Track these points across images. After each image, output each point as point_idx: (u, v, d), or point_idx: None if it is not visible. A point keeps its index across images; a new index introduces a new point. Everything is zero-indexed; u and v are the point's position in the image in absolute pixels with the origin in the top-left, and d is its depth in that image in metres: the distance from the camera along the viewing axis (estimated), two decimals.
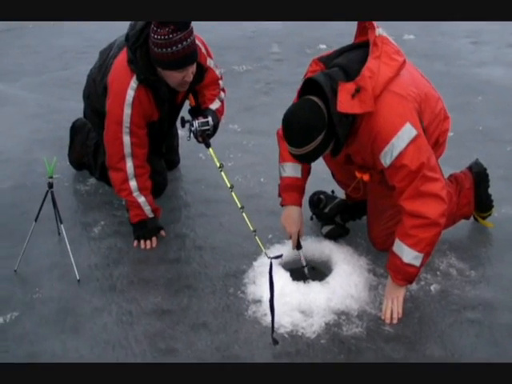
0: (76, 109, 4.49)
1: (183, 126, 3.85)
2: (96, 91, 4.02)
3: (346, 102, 2.94)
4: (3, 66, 7.42)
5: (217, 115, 4.02)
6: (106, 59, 3.93)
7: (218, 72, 4.12)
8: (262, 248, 3.46)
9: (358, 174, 3.36)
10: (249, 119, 5.57)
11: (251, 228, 3.49)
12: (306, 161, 3.26)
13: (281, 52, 7.39)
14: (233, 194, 3.57)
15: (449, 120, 3.43)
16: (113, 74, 3.75)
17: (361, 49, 3.15)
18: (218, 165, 3.65)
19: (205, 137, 3.80)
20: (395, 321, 3.18)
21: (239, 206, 3.54)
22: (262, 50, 7.42)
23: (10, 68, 7.34)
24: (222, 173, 3.64)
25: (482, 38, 7.39)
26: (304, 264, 3.51)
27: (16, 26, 8.63)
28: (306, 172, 3.55)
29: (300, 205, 3.56)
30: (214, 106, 4.07)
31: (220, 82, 4.16)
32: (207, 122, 3.79)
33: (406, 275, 3.17)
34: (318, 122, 2.98)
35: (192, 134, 3.82)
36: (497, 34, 7.43)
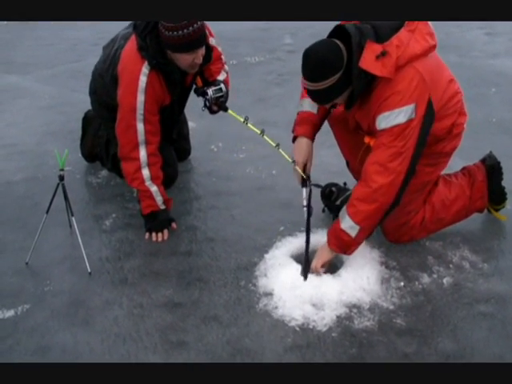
0: (88, 101, 4.49)
1: (198, 94, 3.96)
2: (103, 85, 4.05)
3: (369, 60, 2.99)
4: (17, 59, 7.45)
5: (226, 84, 4.09)
6: (110, 53, 3.96)
7: (220, 49, 4.21)
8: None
9: (366, 139, 3.38)
10: (261, 111, 5.56)
11: (289, 160, 3.51)
12: (319, 99, 3.25)
13: (293, 43, 7.36)
14: (265, 137, 3.57)
15: (465, 117, 3.45)
16: (123, 63, 3.76)
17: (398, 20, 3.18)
18: (242, 120, 3.64)
19: (220, 104, 3.89)
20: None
21: (273, 144, 3.54)
22: (275, 42, 7.41)
23: (23, 60, 7.37)
24: (249, 124, 3.62)
25: (496, 29, 7.33)
26: (304, 204, 3.50)
27: None
28: (323, 110, 3.56)
29: (310, 137, 3.57)
30: (222, 77, 4.15)
31: (222, 56, 4.25)
32: (220, 88, 3.91)
33: (339, 241, 3.30)
34: (336, 62, 3.03)
35: (207, 103, 3.90)
36: (511, 25, 7.36)
